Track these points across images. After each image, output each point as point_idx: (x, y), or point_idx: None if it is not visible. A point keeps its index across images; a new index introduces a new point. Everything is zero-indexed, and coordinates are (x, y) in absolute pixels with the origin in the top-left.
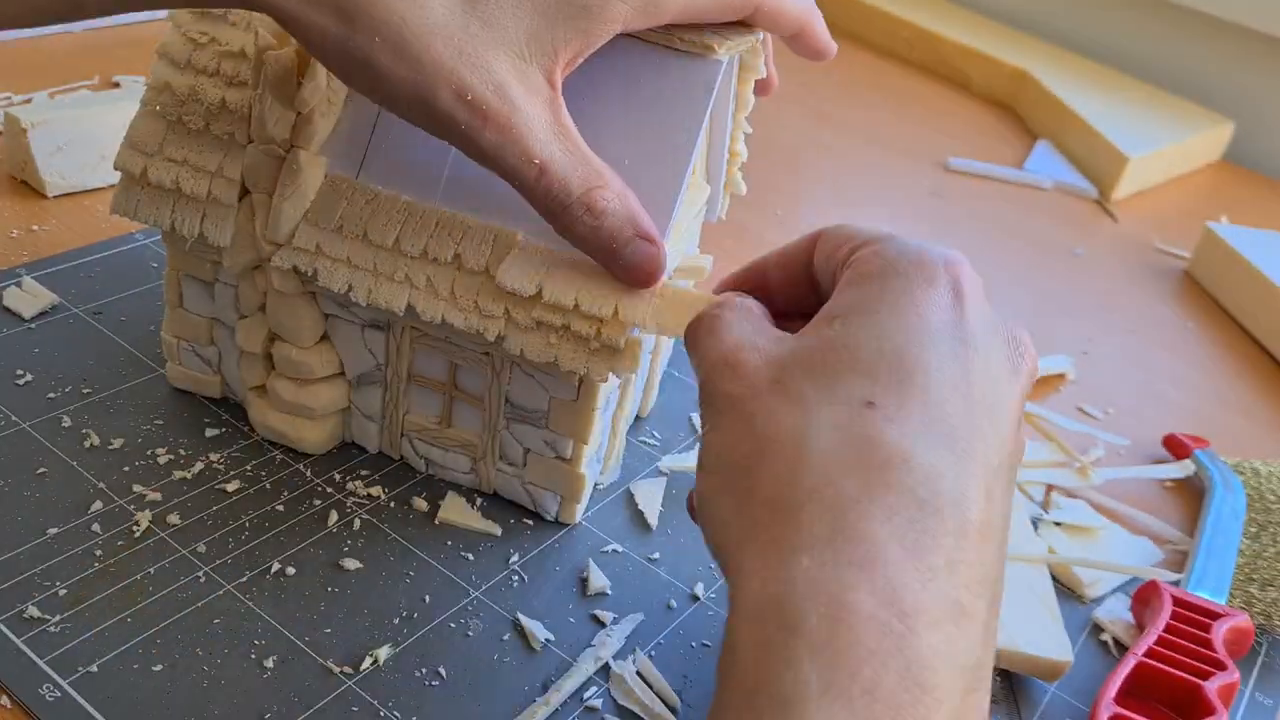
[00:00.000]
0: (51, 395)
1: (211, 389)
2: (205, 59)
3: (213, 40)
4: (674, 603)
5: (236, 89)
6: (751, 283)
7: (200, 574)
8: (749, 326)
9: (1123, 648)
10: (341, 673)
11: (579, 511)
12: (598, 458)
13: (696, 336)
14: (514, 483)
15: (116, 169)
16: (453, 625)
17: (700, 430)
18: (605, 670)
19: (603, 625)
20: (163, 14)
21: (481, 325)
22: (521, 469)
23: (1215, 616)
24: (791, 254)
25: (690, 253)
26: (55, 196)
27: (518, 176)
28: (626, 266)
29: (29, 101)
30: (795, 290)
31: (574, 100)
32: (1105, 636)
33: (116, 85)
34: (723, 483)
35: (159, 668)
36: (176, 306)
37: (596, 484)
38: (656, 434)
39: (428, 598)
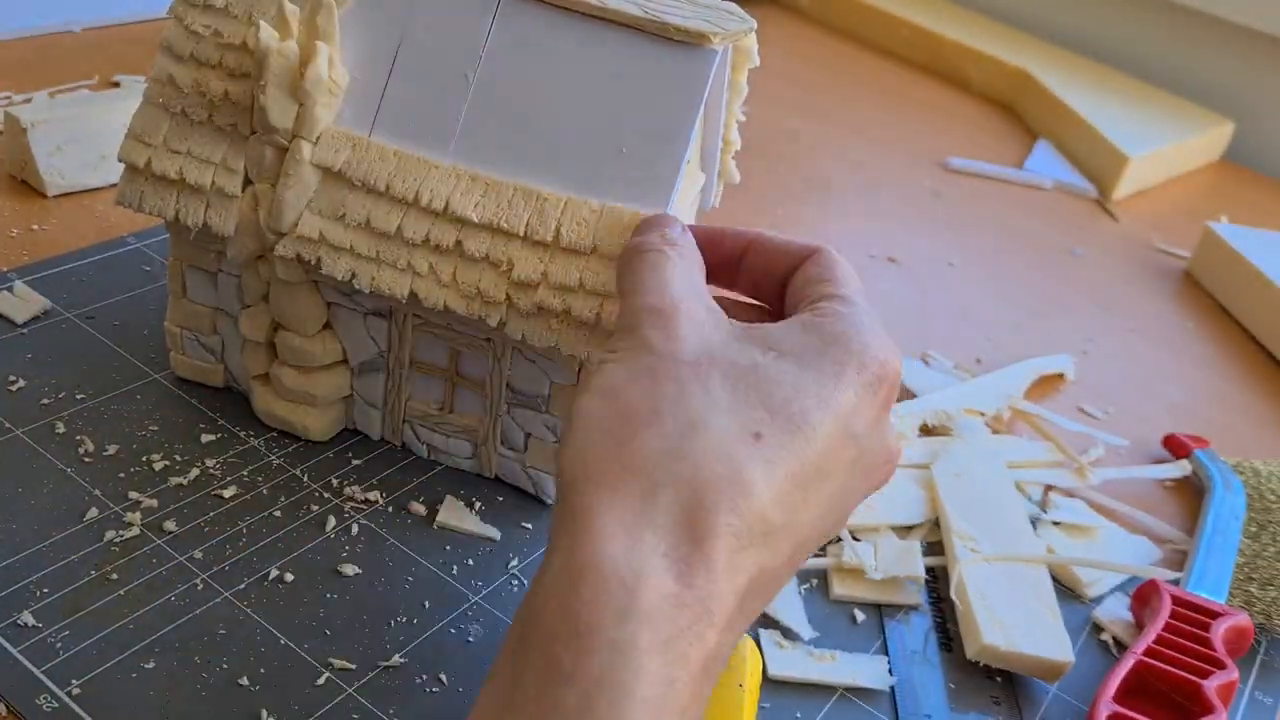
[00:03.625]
0: (45, 401)
1: (215, 378)
2: (207, 51)
3: (215, 33)
4: None
5: (238, 81)
6: (727, 244)
7: (198, 581)
8: (692, 283)
9: (1122, 647)
10: (341, 679)
11: None
12: None
13: (636, 267)
14: (515, 467)
15: (120, 160)
16: (453, 631)
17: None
18: None
19: None
20: (162, 13)
21: (483, 311)
22: (523, 453)
23: (1215, 615)
24: (779, 251)
25: None
26: (55, 196)
27: None
28: None
29: (29, 101)
30: (761, 280)
31: (571, 89)
32: (1105, 636)
33: (116, 85)
34: (603, 417)
35: (157, 676)
36: (180, 297)
37: None
38: None
39: (427, 603)
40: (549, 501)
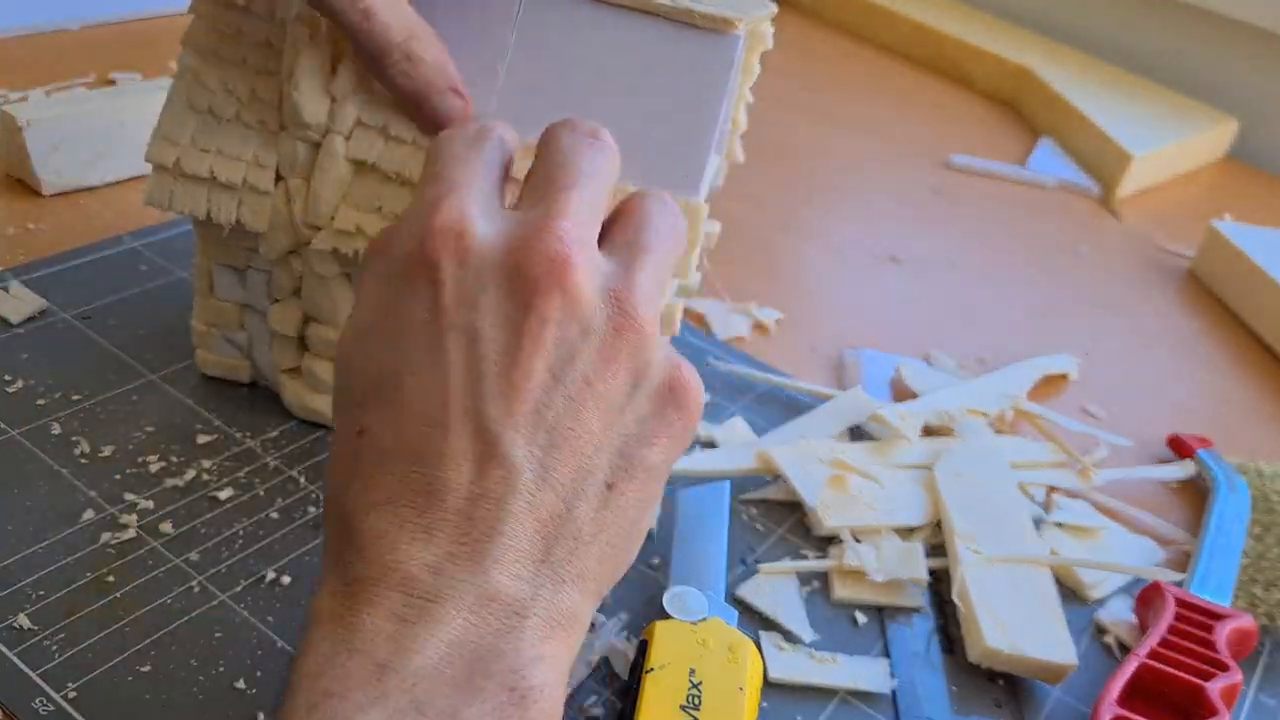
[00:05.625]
0: (40, 402)
1: (241, 374)
2: (233, 49)
3: (239, 31)
4: None
5: (266, 78)
6: None
7: (194, 583)
8: (491, 185)
9: (1125, 649)
10: None
11: None
12: None
13: (447, 152)
14: None
15: (148, 161)
16: None
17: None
18: (605, 679)
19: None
20: (159, 12)
21: None
22: None
23: (1218, 617)
24: None
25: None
26: (51, 195)
27: (344, 19)
28: (434, 116)
29: (25, 99)
30: None
31: (597, 77)
32: (1108, 638)
33: (113, 83)
34: (365, 355)
35: (153, 679)
36: (207, 294)
37: None
38: None
39: None
40: None
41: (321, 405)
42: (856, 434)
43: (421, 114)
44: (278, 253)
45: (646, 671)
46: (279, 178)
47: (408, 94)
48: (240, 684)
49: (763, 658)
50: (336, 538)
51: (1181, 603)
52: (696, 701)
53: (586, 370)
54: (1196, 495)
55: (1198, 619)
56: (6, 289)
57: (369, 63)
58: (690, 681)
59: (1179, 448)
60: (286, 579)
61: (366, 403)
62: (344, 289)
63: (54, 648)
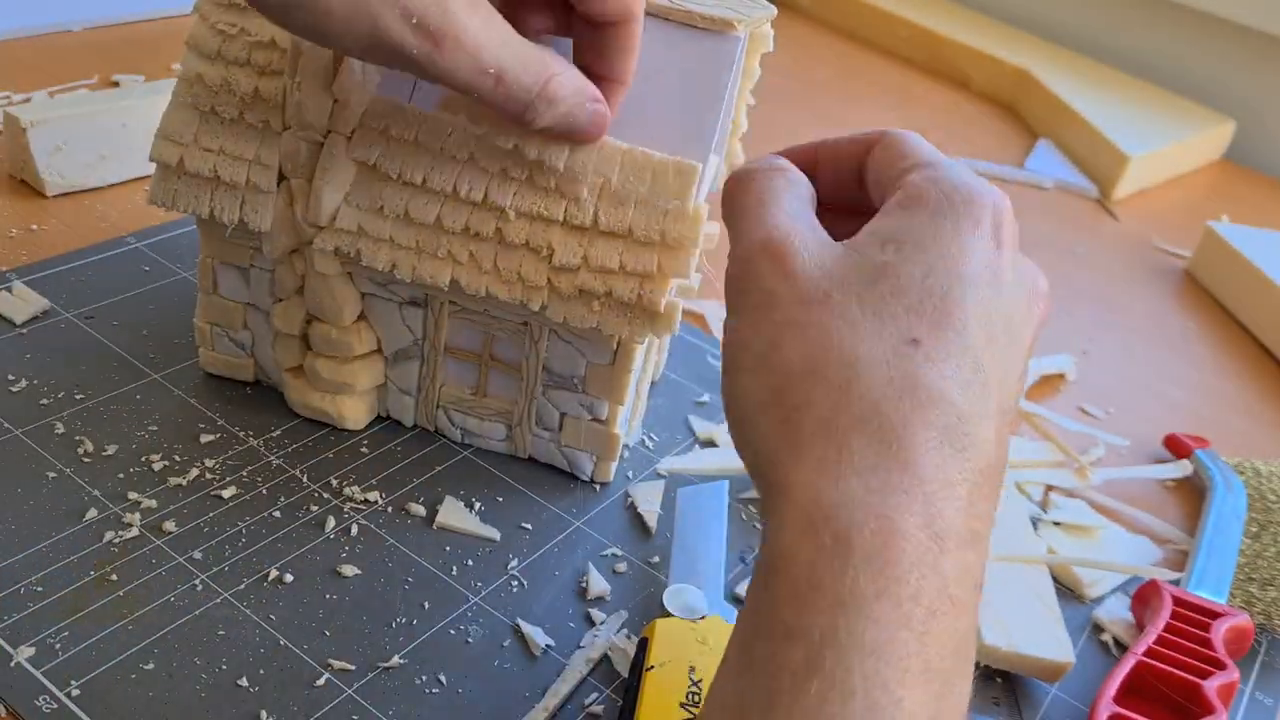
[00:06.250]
0: (44, 402)
1: (245, 373)
2: (236, 50)
3: (242, 31)
4: None
5: (269, 78)
6: (801, 161)
7: (197, 582)
8: (799, 210)
9: (1123, 647)
10: (340, 680)
11: (613, 470)
12: (628, 417)
13: (740, 198)
14: (550, 446)
15: (152, 161)
16: (452, 632)
17: (725, 319)
18: (606, 676)
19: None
20: (162, 13)
21: (525, 297)
22: (557, 433)
23: (1215, 616)
24: (846, 149)
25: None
26: (54, 196)
27: (476, 89)
28: (583, 134)
29: (28, 100)
30: (840, 183)
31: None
32: (1105, 636)
33: (116, 84)
34: (765, 388)
35: (156, 677)
36: (210, 293)
37: (625, 444)
38: (654, 436)
39: (427, 604)
40: (584, 478)
41: (323, 404)
42: None
43: (570, 137)
44: (280, 252)
45: (647, 669)
46: (282, 177)
47: (557, 130)
48: (243, 682)
49: None
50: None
51: (1178, 601)
52: (696, 699)
53: None
54: (1193, 494)
55: (1195, 617)
56: (10, 289)
57: (512, 119)
58: (690, 679)
59: (1176, 447)
60: (289, 577)
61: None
62: (345, 288)
63: (57, 646)
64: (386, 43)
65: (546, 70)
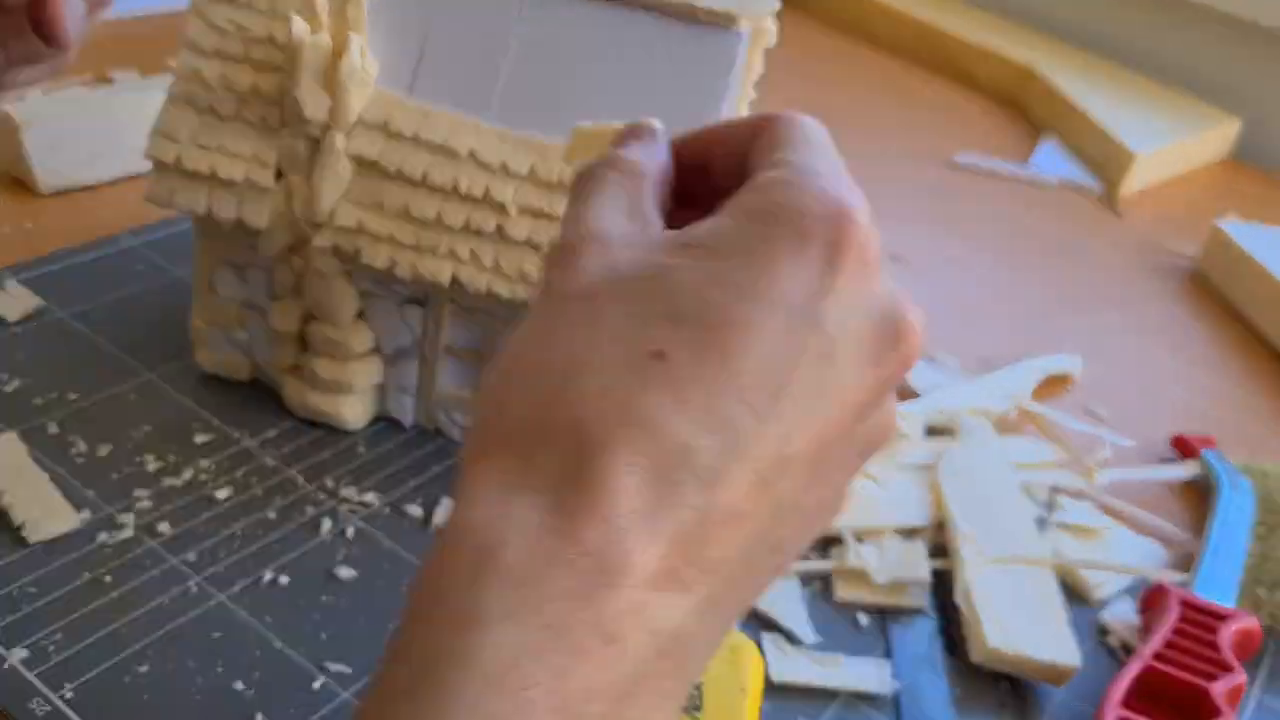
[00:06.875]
0: (37, 401)
1: (242, 372)
2: (233, 46)
3: (239, 28)
4: None
5: (266, 74)
6: (695, 146)
7: (192, 584)
8: (621, 207)
9: (1129, 650)
10: (337, 683)
11: None
12: None
13: (576, 190)
14: None
15: (148, 158)
16: None
17: None
18: None
19: None
20: (157, 10)
21: (527, 294)
22: None
23: (1222, 618)
24: (735, 133)
25: None
26: (49, 194)
27: None
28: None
29: (22, 98)
30: (728, 171)
31: (602, 73)
32: (1112, 639)
33: (111, 81)
34: (493, 385)
35: (151, 680)
36: (207, 292)
37: None
38: None
39: None
40: None
41: (322, 403)
42: None
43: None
44: (278, 250)
45: None
46: (279, 175)
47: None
48: (238, 685)
49: (764, 659)
50: None
51: (1185, 604)
52: (698, 703)
53: None
54: (1200, 496)
55: (1202, 620)
56: (4, 288)
57: None
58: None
59: (1183, 448)
60: (284, 579)
61: None
62: (344, 286)
63: (51, 648)
64: None
65: None
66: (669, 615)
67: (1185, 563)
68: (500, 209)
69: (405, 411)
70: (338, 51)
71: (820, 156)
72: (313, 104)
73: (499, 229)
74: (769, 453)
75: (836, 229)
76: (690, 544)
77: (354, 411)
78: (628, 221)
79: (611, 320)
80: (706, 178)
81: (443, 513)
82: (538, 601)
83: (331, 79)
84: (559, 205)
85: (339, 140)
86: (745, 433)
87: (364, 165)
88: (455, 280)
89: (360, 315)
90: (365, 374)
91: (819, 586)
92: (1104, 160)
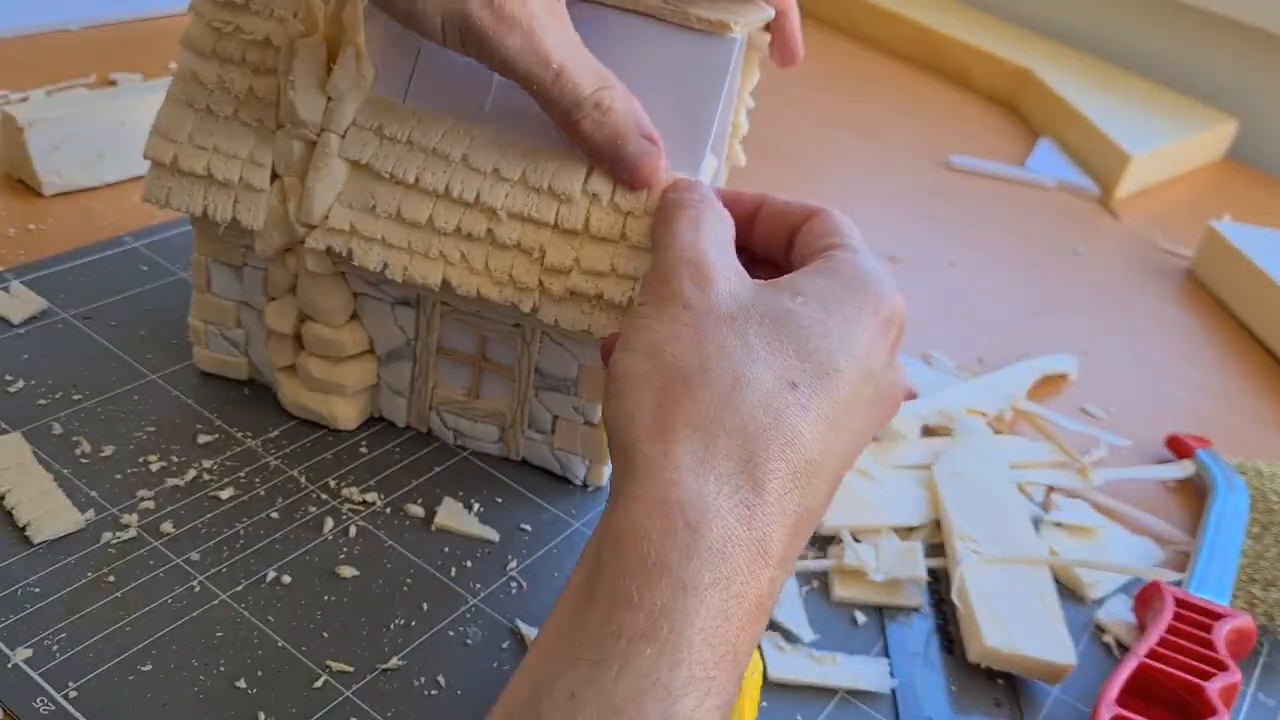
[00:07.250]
0: (42, 402)
1: (238, 371)
2: (231, 48)
3: (237, 29)
4: None
5: (263, 76)
6: (742, 206)
7: (195, 583)
8: (723, 241)
9: (1124, 648)
10: (339, 682)
11: (606, 474)
12: None
13: (675, 220)
14: (543, 449)
15: (146, 158)
16: (451, 633)
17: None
18: None
19: None
20: (159, 12)
21: (517, 298)
22: (550, 436)
23: (1217, 617)
24: (785, 212)
25: None
26: (52, 195)
27: (535, 79)
28: (630, 165)
29: (26, 100)
30: (771, 238)
31: None
32: (1107, 638)
33: (114, 83)
34: (652, 375)
35: (154, 679)
36: (204, 291)
37: None
38: None
39: (425, 605)
40: (576, 482)
41: (315, 404)
42: None
43: (616, 164)
44: (273, 250)
45: None
46: (275, 176)
47: (600, 143)
48: (241, 683)
49: (762, 657)
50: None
51: (1180, 602)
52: None
53: None
54: (1195, 495)
55: (1197, 619)
56: (8, 289)
57: (558, 117)
58: None
59: (1178, 447)
60: (287, 578)
61: None
62: (338, 287)
63: (55, 647)
64: (471, 25)
65: (604, 80)
66: (778, 590)
67: (1180, 562)
68: (491, 213)
69: (399, 413)
70: (332, 54)
71: (869, 249)
72: (307, 106)
73: (489, 232)
74: (836, 468)
75: (896, 311)
76: (796, 535)
77: (347, 412)
78: (729, 256)
79: (757, 347)
80: (735, 220)
81: (445, 512)
82: (729, 574)
83: (326, 81)
84: (548, 210)
85: (334, 142)
86: (833, 451)
87: (358, 168)
88: (446, 283)
89: (354, 316)
90: (359, 375)
91: (817, 585)
92: (1100, 161)
